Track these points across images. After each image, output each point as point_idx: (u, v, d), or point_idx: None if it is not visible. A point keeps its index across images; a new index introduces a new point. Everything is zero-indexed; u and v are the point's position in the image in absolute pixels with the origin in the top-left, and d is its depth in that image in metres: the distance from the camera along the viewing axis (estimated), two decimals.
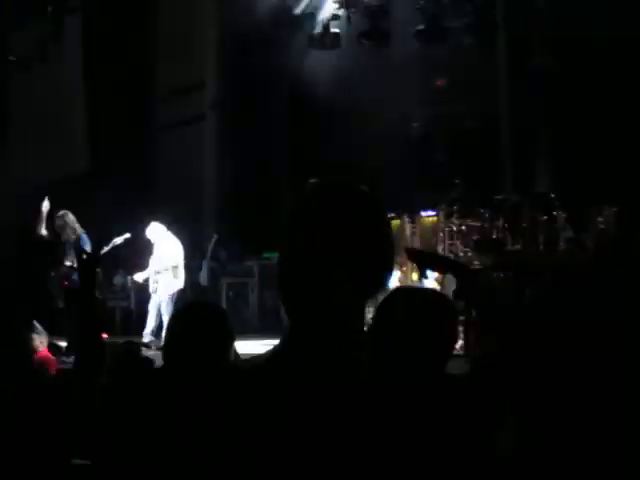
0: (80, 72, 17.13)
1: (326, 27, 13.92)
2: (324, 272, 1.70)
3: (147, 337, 11.44)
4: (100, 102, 17.02)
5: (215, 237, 14.05)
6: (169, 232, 11.72)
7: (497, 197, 11.80)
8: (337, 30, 13.97)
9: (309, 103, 14.12)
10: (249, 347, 9.26)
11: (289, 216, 1.79)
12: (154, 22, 16.63)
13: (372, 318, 2.70)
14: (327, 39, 13.91)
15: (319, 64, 13.73)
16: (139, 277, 12.12)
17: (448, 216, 12.63)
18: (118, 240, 11.90)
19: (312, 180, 1.82)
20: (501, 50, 13.77)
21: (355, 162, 14.19)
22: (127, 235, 11.75)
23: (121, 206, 13.77)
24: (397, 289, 3.18)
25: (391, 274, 1.81)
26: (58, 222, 10.78)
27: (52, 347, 7.25)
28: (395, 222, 12.95)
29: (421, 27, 13.64)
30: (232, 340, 3.03)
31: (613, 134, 11.95)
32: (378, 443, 1.61)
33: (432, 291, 3.12)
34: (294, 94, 14.76)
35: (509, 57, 13.71)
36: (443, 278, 12.26)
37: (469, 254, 11.62)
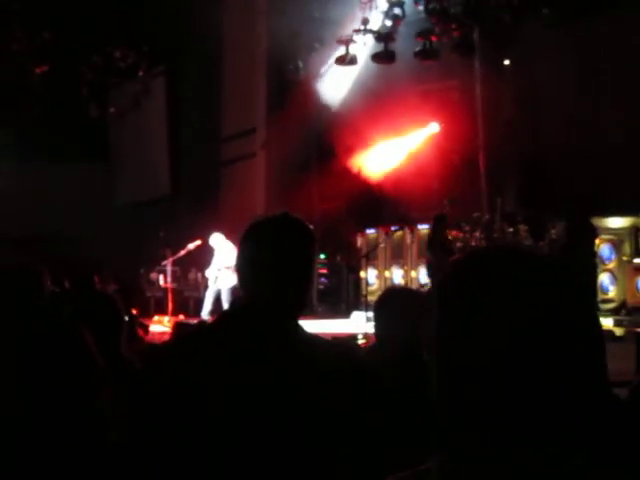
0: (164, 119, 19.22)
1: (346, 50, 15.04)
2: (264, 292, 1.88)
3: (205, 317, 12.35)
4: (179, 143, 19.03)
5: None
6: (227, 240, 12.61)
7: (475, 214, 13.20)
8: (354, 53, 15.11)
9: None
10: (310, 329, 11.57)
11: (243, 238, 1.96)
12: (220, 81, 17.86)
13: (373, 311, 3.17)
14: (347, 58, 15.16)
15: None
16: (207, 273, 13.16)
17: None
18: (191, 246, 13.43)
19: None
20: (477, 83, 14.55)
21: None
22: (198, 242, 13.30)
23: (194, 221, 15.17)
24: (391, 288, 3.72)
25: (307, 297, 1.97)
26: None
27: None
28: (399, 233, 14.66)
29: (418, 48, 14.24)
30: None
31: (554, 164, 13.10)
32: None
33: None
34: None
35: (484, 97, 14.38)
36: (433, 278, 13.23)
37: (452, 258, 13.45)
